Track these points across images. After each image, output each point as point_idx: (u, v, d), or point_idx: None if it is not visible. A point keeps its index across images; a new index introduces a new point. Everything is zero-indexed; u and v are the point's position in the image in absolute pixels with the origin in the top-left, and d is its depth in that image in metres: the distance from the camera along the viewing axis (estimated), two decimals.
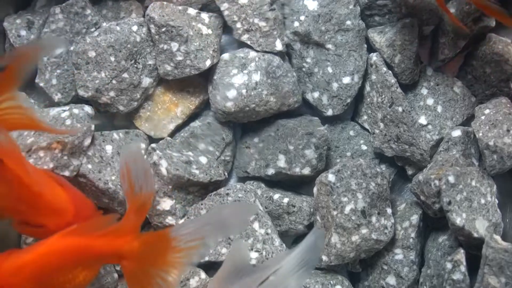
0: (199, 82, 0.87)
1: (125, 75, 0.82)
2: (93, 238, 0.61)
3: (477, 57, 0.85)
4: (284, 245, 0.79)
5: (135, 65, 0.83)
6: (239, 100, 0.82)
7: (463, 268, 0.74)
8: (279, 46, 0.84)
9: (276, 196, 0.83)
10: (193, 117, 0.88)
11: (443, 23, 0.87)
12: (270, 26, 0.83)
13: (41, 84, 0.83)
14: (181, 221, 0.79)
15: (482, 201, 0.76)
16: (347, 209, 0.77)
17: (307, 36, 0.85)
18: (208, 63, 0.83)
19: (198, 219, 0.76)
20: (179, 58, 0.82)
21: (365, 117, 0.89)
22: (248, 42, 0.84)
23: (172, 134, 0.87)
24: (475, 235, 0.74)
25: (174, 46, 0.82)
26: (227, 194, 0.79)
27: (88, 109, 0.79)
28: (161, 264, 0.60)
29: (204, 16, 0.84)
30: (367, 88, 0.87)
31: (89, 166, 0.78)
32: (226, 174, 0.84)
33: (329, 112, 0.86)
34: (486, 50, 0.84)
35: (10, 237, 0.80)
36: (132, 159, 0.69)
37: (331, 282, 0.79)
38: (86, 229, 0.62)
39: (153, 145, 0.81)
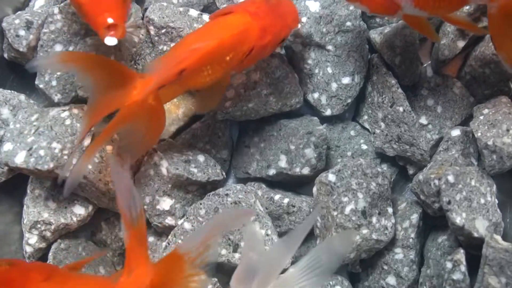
0: None
1: None
2: None
3: (476, 58, 0.85)
4: None
5: (135, 66, 0.83)
6: (237, 100, 0.82)
7: (463, 267, 0.73)
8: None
9: (277, 197, 0.83)
10: (195, 118, 0.88)
11: (444, 24, 0.87)
12: None
13: (41, 86, 0.83)
14: (180, 222, 0.79)
15: (482, 200, 0.76)
16: (348, 209, 0.77)
17: (308, 38, 0.85)
18: None
19: (199, 229, 0.77)
20: None
21: (366, 117, 0.89)
22: None
23: (174, 136, 0.86)
24: (475, 234, 0.74)
25: None
26: (227, 194, 0.79)
27: None
28: (184, 281, 0.61)
29: (206, 17, 0.85)
30: (369, 88, 0.88)
31: (89, 166, 0.78)
32: (224, 174, 0.84)
33: (328, 112, 0.86)
34: (485, 51, 0.83)
35: (10, 237, 0.80)
36: (115, 177, 0.63)
37: (331, 282, 0.79)
38: None
39: (154, 146, 0.81)
